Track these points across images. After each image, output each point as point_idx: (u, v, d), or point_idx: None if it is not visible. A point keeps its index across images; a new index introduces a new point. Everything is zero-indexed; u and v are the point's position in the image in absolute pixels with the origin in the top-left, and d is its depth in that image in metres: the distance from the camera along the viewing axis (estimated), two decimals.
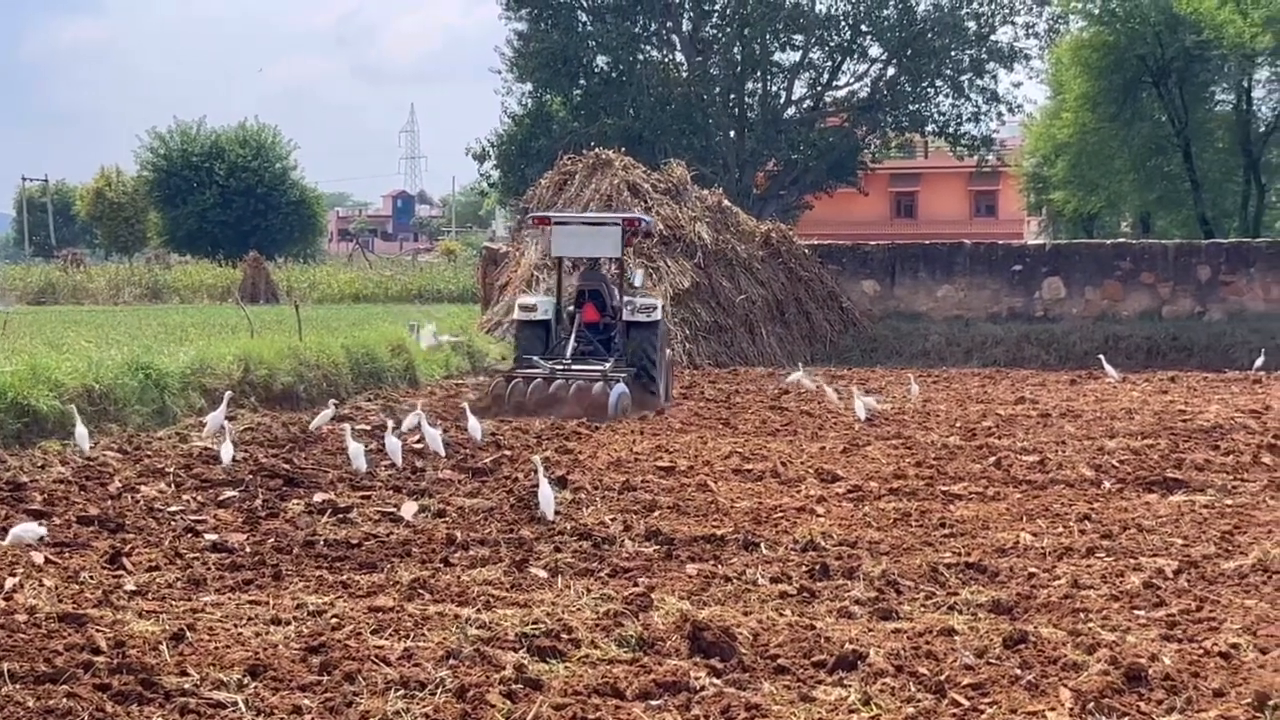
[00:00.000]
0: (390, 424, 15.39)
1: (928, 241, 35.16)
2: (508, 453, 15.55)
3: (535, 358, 20.41)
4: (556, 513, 11.76)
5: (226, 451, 13.91)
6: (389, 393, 21.54)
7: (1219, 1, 40.42)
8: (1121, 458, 15.28)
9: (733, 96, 64.87)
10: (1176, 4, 40.58)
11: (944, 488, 13.41)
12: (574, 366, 20.09)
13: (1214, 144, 45.21)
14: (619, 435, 17.45)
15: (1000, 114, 64.98)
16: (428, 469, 14.26)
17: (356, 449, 13.83)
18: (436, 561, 10.13)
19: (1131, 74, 43.13)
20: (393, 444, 14.27)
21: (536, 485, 11.99)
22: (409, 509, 12.00)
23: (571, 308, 21.32)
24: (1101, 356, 27.38)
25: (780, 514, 12.03)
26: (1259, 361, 27.48)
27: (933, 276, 32.96)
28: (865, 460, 15.32)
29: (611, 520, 11.64)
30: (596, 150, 32.18)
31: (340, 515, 11.77)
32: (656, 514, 12.04)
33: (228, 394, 16.18)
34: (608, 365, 20.15)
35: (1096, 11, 42.73)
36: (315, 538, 10.87)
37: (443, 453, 14.82)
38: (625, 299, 21.16)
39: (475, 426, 15.98)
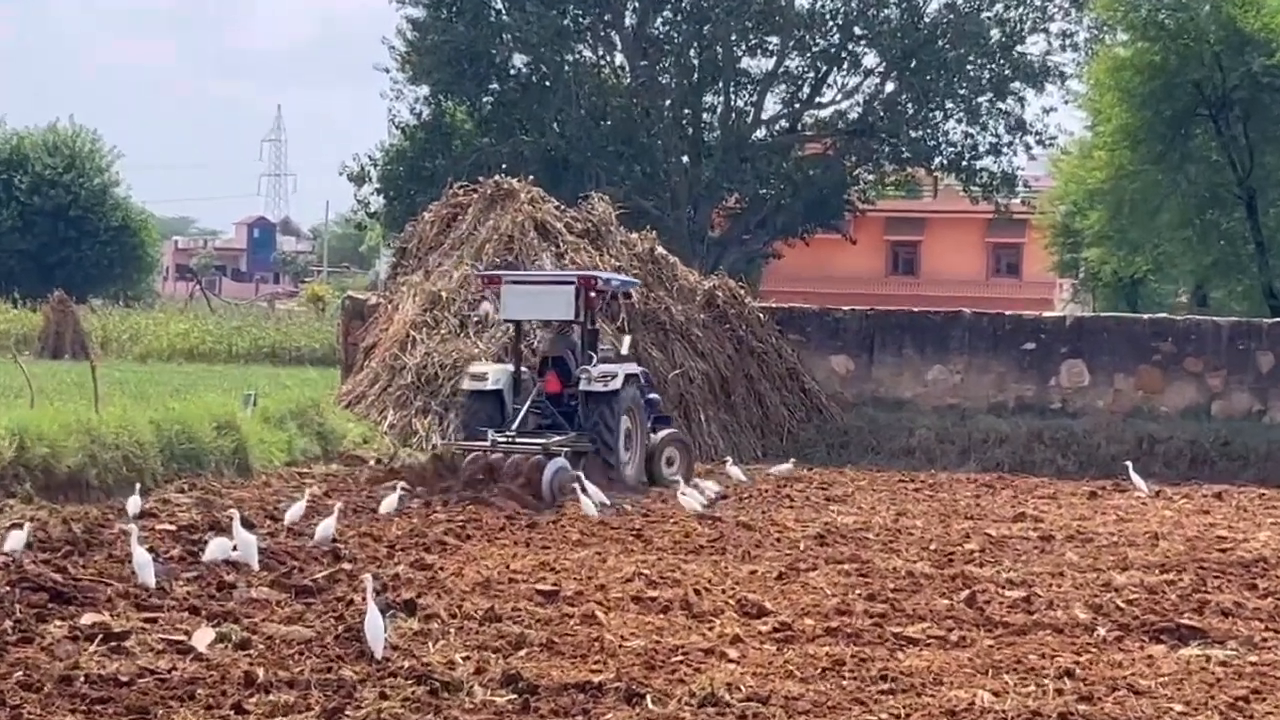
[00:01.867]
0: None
1: (917, 309, 35.31)
2: (348, 566, 15.65)
3: (490, 431, 23.24)
4: (394, 647, 11.90)
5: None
6: (209, 482, 21.54)
7: None
8: (1130, 596, 15.48)
9: (686, 112, 65.33)
10: (1241, 18, 40.85)
11: (896, 629, 13.57)
12: (519, 440, 22.92)
13: None
14: (496, 547, 17.61)
15: (1028, 146, 65.69)
16: (239, 585, 14.34)
17: (143, 558, 13.92)
18: (226, 708, 10.22)
19: (1183, 104, 43.35)
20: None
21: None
22: (203, 637, 12.09)
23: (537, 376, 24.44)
24: (1129, 464, 27.65)
25: (681, 657, 12.17)
26: None
27: (921, 353, 33.18)
28: (804, 590, 15.47)
29: (463, 659, 11.77)
30: (496, 178, 32.36)
31: (114, 643, 11.83)
32: (523, 652, 12.17)
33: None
34: (558, 438, 22.99)
35: (1140, 24, 42.96)
36: (76, 672, 10.93)
37: (255, 564, 14.92)
38: (581, 368, 24.01)
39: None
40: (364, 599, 13.33)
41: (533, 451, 22.51)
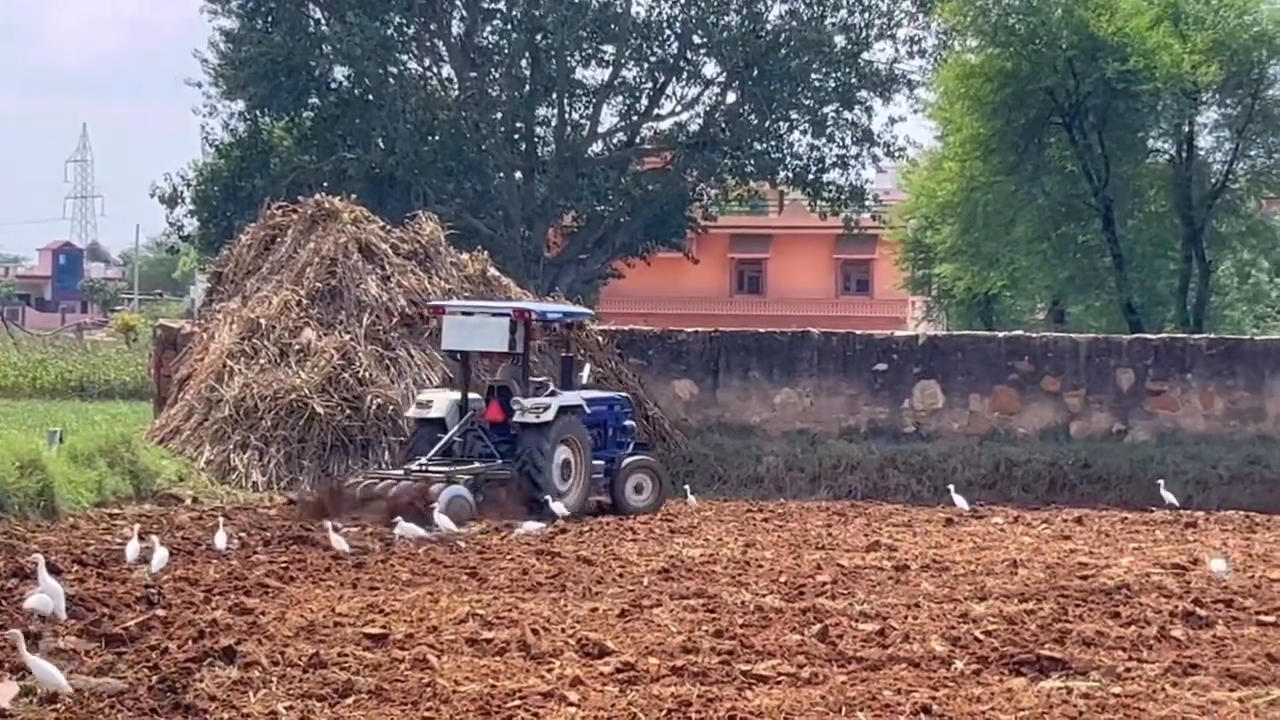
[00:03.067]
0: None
1: (764, 329, 35.41)
2: (161, 613, 15.48)
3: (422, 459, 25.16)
4: (212, 698, 11.79)
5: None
6: (12, 525, 21.27)
7: (1150, 20, 41.39)
8: (989, 627, 15.65)
9: (519, 125, 65.28)
10: (1094, 23, 41.31)
11: (745, 666, 13.65)
12: (431, 467, 24.81)
13: (1144, 207, 45.89)
14: (320, 589, 17.52)
15: (875, 158, 66.17)
16: (44, 635, 14.14)
17: None
18: None
19: (1036, 112, 43.76)
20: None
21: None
22: (6, 692, 11.92)
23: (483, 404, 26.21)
24: (951, 487, 28.02)
25: (519, 702, 12.18)
26: (1167, 498, 28.24)
27: (769, 376, 33.30)
28: (648, 627, 15.52)
29: (286, 709, 11.70)
30: (317, 198, 32.19)
31: None
32: (350, 700, 12.14)
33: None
34: (476, 466, 25.03)
35: (990, 29, 43.32)
36: None
37: (63, 614, 14.74)
38: (514, 399, 25.77)
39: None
40: (181, 646, 13.31)
41: (437, 480, 24.07)
